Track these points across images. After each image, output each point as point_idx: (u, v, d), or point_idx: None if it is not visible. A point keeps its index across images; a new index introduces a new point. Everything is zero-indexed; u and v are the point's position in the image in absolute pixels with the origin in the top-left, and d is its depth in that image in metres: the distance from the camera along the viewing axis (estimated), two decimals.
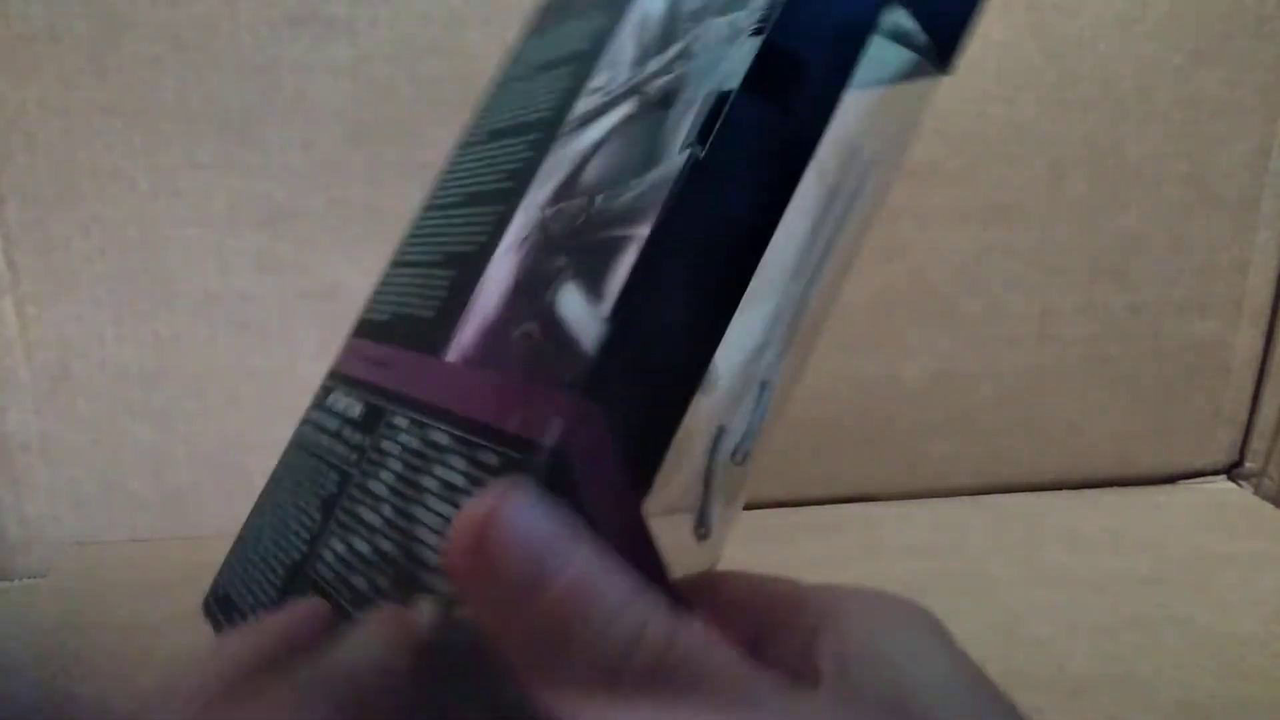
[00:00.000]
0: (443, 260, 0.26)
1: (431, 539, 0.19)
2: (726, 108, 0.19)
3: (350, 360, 0.28)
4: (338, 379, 0.28)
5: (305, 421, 0.28)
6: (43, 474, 0.45)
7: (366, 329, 0.28)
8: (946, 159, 0.48)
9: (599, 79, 0.24)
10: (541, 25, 0.30)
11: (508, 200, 0.24)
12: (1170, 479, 0.55)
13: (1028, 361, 0.51)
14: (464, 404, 0.21)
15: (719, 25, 0.21)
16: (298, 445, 0.27)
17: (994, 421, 0.52)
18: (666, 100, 0.21)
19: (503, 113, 0.28)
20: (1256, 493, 0.54)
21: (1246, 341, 0.53)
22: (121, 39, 0.41)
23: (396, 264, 0.29)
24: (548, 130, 0.24)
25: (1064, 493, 0.53)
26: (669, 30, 0.23)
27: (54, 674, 0.36)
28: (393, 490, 0.21)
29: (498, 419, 0.20)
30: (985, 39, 0.46)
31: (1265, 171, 0.50)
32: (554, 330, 0.19)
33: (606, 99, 0.23)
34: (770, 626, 0.20)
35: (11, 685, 0.35)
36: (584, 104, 0.24)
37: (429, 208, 0.29)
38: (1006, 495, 0.53)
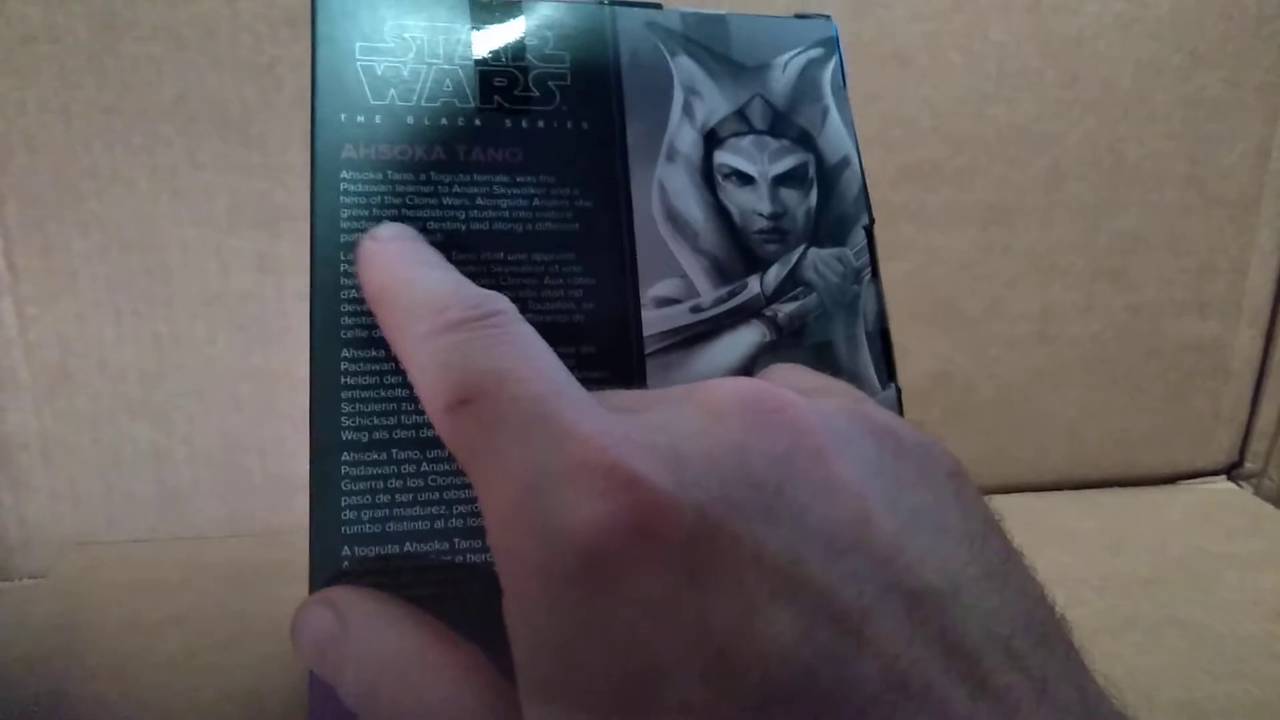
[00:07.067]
0: None
1: None
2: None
3: None
4: None
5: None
6: (43, 474, 0.45)
7: None
8: (946, 159, 0.48)
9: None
10: None
11: None
12: (1170, 479, 0.55)
13: (1028, 361, 0.51)
14: None
15: (829, 259, 0.25)
16: None
17: (994, 421, 0.52)
18: (802, 331, 0.25)
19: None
20: (1256, 493, 0.54)
21: (1246, 342, 0.53)
22: (121, 39, 0.41)
23: None
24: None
25: (1064, 493, 0.53)
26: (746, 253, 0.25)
27: (54, 674, 0.36)
28: None
29: None
30: (985, 39, 0.46)
31: (1265, 171, 0.50)
32: None
33: (702, 315, 0.24)
34: None
35: (11, 685, 0.35)
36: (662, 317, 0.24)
37: None
38: (1006, 495, 0.53)
